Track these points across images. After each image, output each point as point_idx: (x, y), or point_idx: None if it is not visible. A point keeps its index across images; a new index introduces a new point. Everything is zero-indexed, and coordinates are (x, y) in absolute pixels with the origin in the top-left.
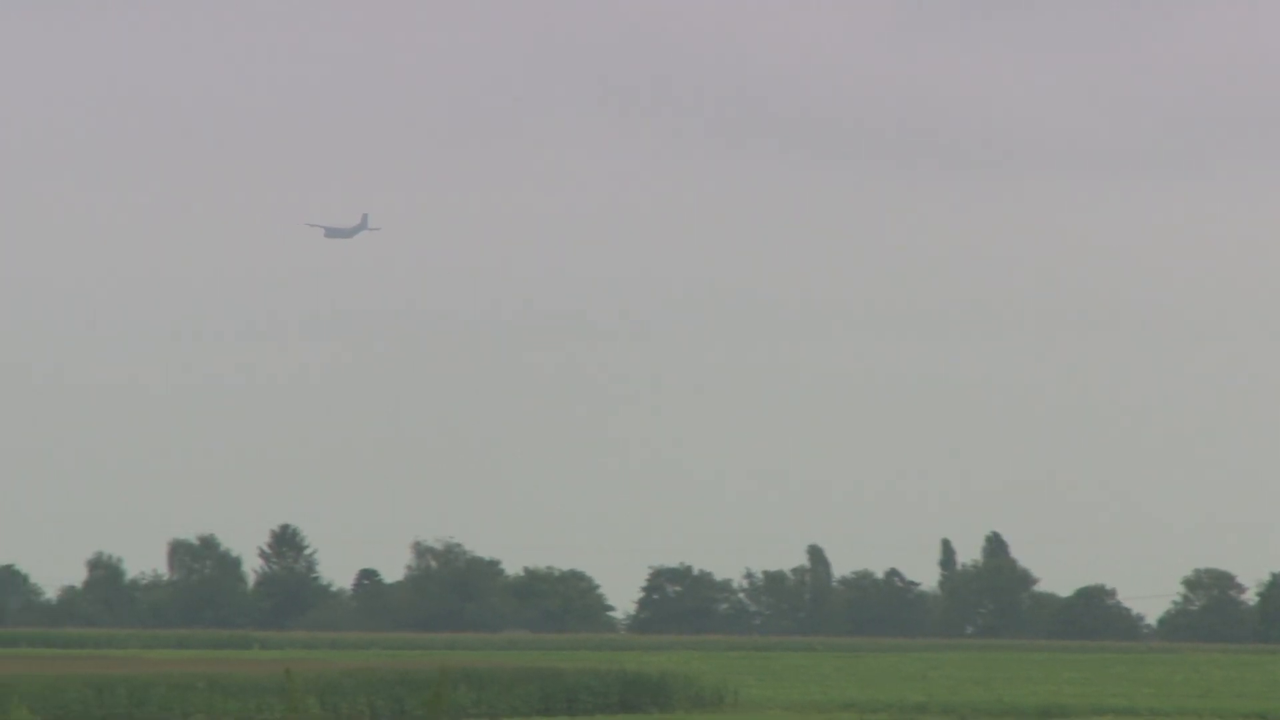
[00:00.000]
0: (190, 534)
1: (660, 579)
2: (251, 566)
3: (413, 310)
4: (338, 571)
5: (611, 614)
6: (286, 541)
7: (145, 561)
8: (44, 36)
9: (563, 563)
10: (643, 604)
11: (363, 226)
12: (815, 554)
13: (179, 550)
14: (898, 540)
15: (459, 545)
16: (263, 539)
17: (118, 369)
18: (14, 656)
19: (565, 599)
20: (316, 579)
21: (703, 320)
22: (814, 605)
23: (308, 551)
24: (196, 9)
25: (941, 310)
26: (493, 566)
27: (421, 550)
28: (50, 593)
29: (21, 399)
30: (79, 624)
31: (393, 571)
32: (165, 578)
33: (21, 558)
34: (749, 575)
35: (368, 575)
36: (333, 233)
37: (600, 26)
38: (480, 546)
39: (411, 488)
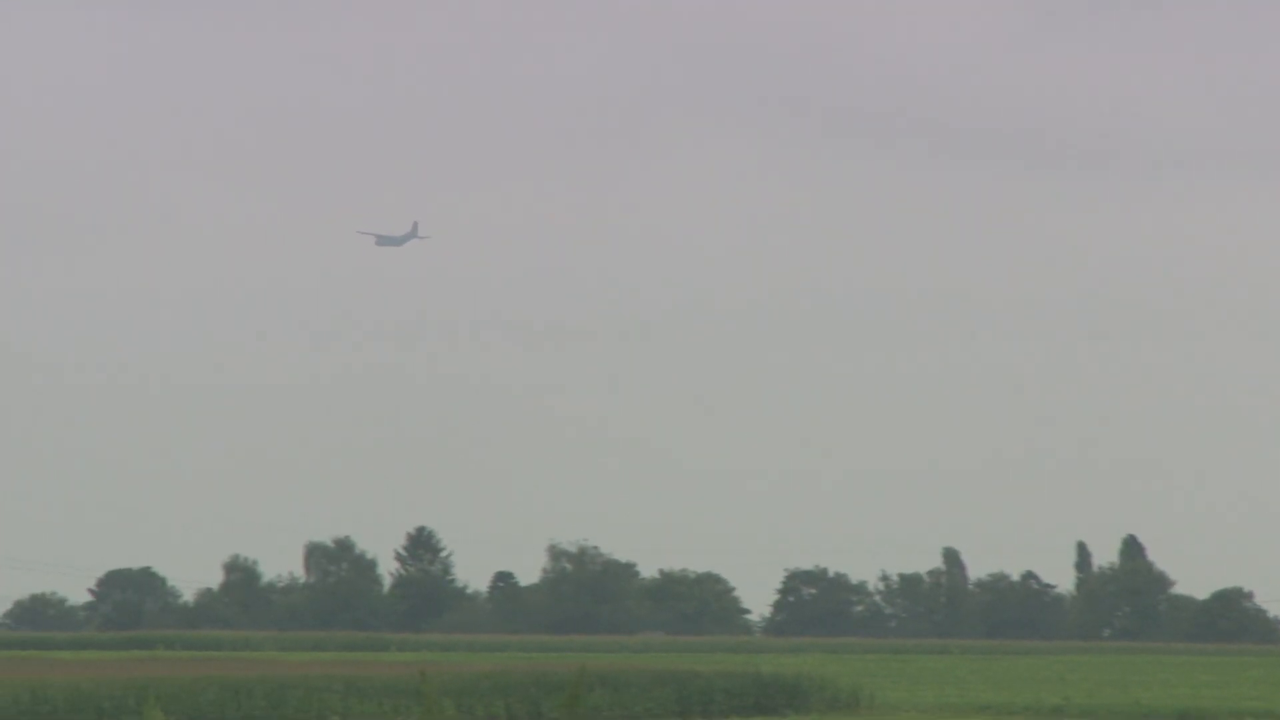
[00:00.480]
0: (326, 537)
1: (795, 581)
2: (387, 569)
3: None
4: (473, 574)
5: (747, 616)
6: (422, 544)
7: (281, 564)
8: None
9: (698, 565)
10: (778, 606)
11: (413, 234)
12: (950, 556)
13: (315, 553)
14: (1033, 542)
15: (594, 548)
16: (399, 541)
17: (254, 373)
18: (152, 659)
19: (700, 601)
20: (452, 581)
21: (840, 321)
22: (949, 608)
23: (443, 554)
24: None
25: (1079, 311)
26: (628, 569)
27: (557, 553)
28: (188, 595)
29: (157, 405)
30: (216, 626)
31: (528, 574)
32: (301, 580)
33: (159, 561)
34: (884, 578)
35: (503, 578)
36: (383, 240)
37: (736, 33)
38: (616, 549)
39: (547, 490)
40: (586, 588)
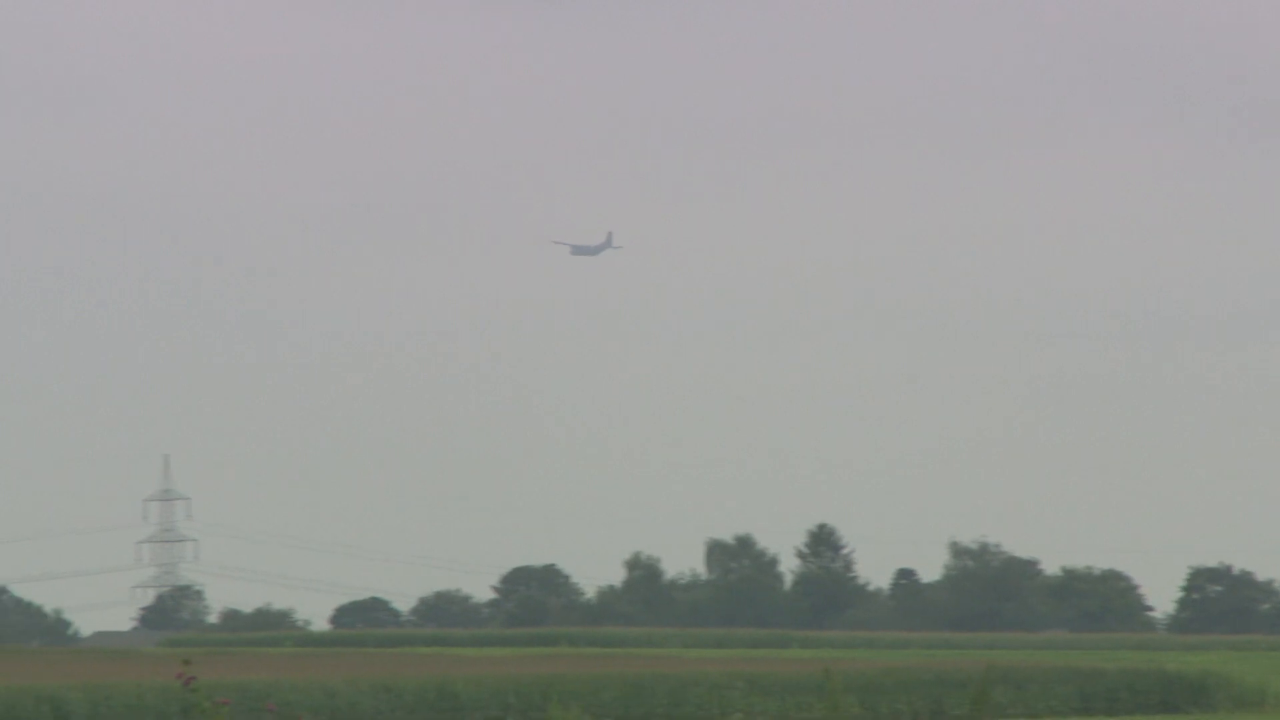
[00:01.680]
0: (727, 534)
1: (1200, 579)
2: (788, 566)
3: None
4: (875, 571)
5: (1150, 614)
6: (823, 541)
7: (683, 561)
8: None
9: (1101, 562)
10: (1183, 604)
11: (607, 244)
12: None
13: (716, 550)
14: None
15: (996, 545)
16: (800, 538)
17: (645, 371)
18: (554, 655)
19: (1103, 599)
20: (854, 578)
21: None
22: None
23: (845, 551)
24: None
25: None
26: (1030, 566)
27: (958, 550)
28: (590, 592)
29: (555, 407)
30: (618, 623)
31: (930, 571)
32: (703, 577)
33: (563, 558)
34: None
35: (905, 575)
36: (578, 250)
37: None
38: (1018, 546)
39: (948, 487)
40: (988, 585)
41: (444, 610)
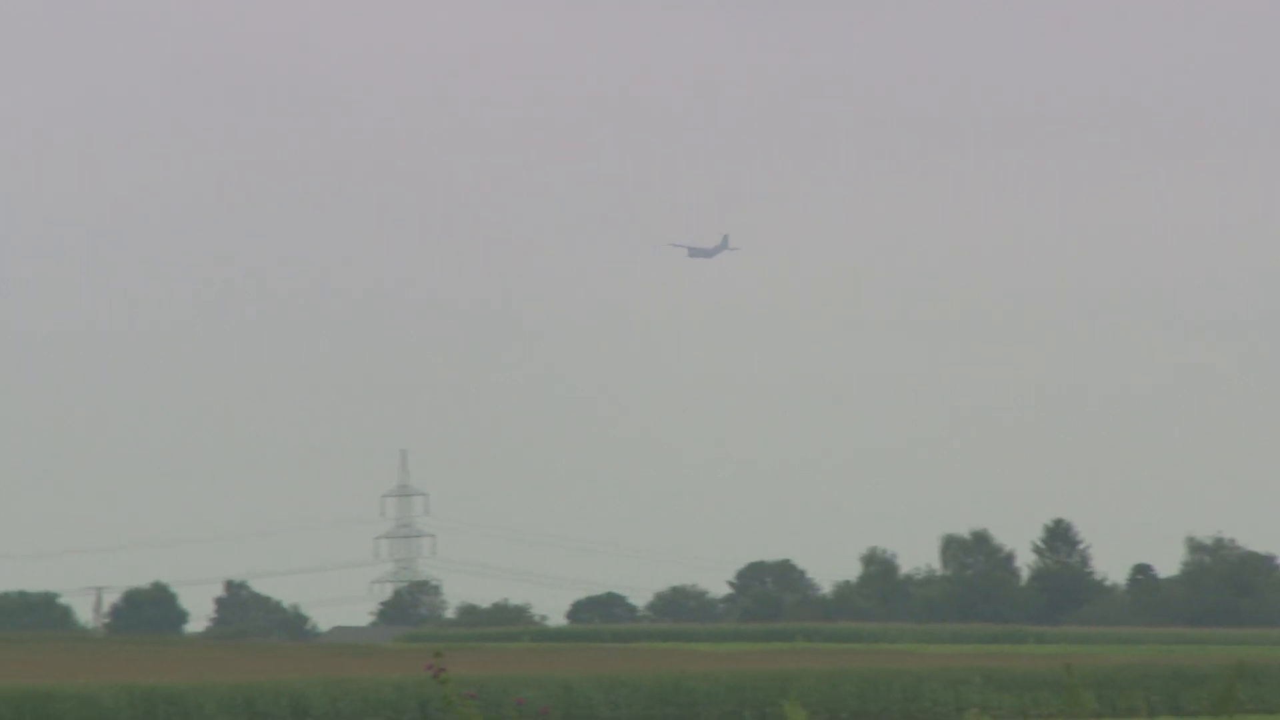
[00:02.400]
0: (963, 529)
1: None
2: (1025, 561)
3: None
4: (1112, 566)
5: None
6: (1060, 536)
7: (919, 557)
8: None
9: None
10: None
11: (723, 246)
12: None
13: (951, 545)
14: None
15: (1232, 540)
16: (1036, 534)
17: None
18: (790, 651)
19: None
20: (1090, 574)
21: None
22: None
23: (1081, 546)
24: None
25: None
26: (1267, 561)
27: (1195, 545)
28: (826, 588)
29: (795, 399)
30: (853, 618)
31: (1167, 566)
32: (938, 572)
33: (798, 554)
34: None
35: (1141, 570)
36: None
37: None
38: (1255, 541)
39: (1184, 483)
40: (1225, 580)
41: (680, 605)
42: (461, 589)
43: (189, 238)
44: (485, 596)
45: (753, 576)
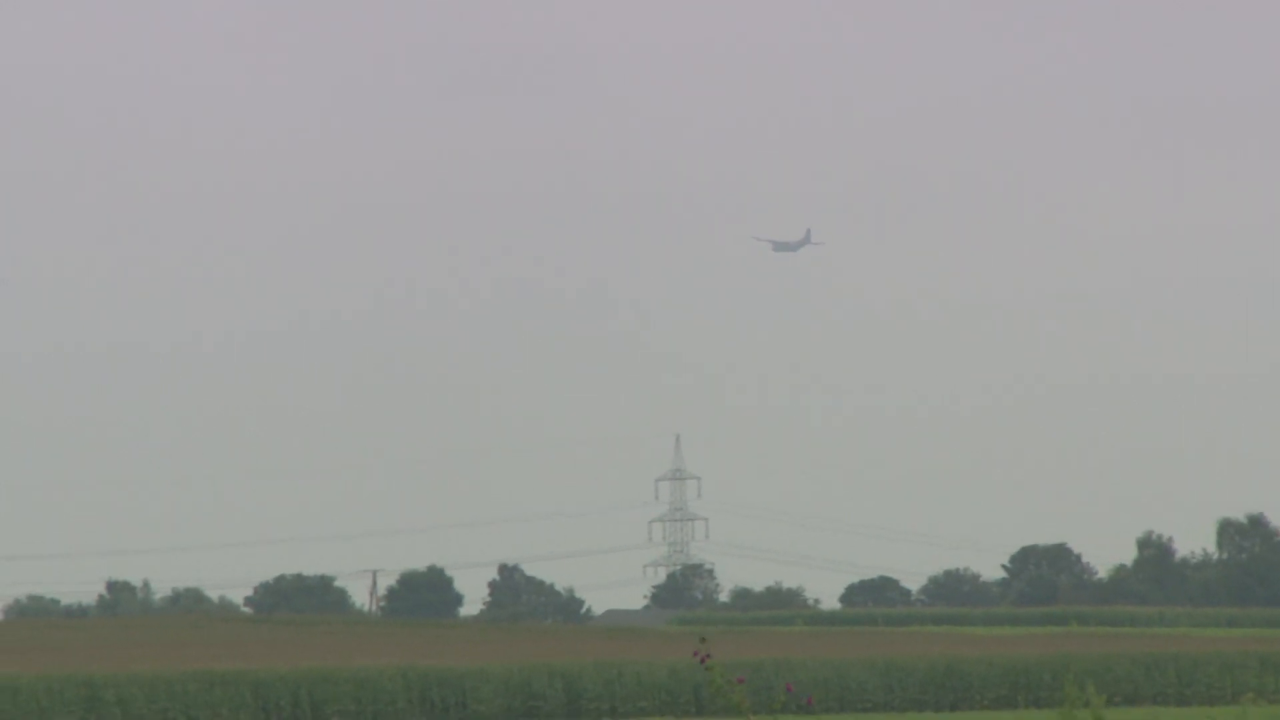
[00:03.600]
0: (1239, 513)
1: None
2: None
3: None
4: None
5: None
6: None
7: (1195, 540)
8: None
9: None
10: None
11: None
12: None
13: (1228, 529)
14: None
15: None
16: None
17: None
18: (1065, 634)
19: None
20: None
21: None
22: None
23: None
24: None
25: None
26: None
27: None
28: (1101, 571)
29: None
30: (1129, 602)
31: None
32: (1214, 556)
33: (1073, 537)
34: None
35: None
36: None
37: None
38: None
39: None
40: None
41: (953, 589)
42: (735, 572)
43: (456, 221)
44: (758, 580)
45: (1027, 560)
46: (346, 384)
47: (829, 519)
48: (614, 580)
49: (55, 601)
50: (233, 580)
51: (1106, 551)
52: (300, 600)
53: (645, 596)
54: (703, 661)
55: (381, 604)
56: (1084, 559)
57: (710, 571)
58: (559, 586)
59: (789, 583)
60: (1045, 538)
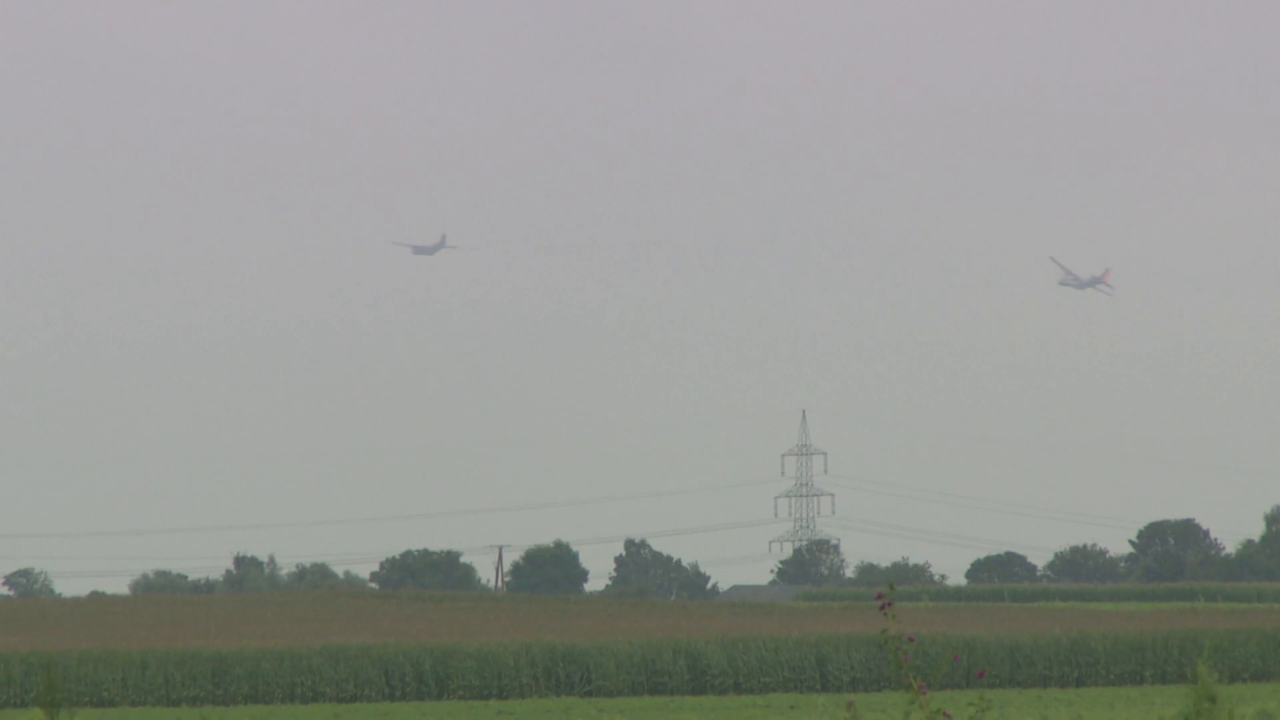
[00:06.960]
0: None
1: None
2: None
3: None
4: None
5: None
6: None
7: None
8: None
9: None
10: None
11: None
12: None
13: None
14: None
15: None
16: None
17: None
18: (1191, 610)
19: None
20: None
21: None
22: None
23: None
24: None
25: None
26: None
27: None
28: (1229, 547)
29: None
30: (1257, 578)
31: None
32: None
33: (1201, 513)
34: None
35: None
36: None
37: None
38: None
39: None
40: None
41: (1080, 565)
42: (860, 548)
43: (574, 195)
44: (884, 555)
45: (1154, 536)
46: (472, 361)
47: (955, 494)
48: (740, 556)
49: (183, 577)
50: (359, 555)
51: (1234, 527)
52: (426, 576)
53: (771, 572)
54: (884, 609)
55: (507, 580)
56: (1212, 534)
57: (836, 547)
58: (685, 562)
59: (915, 558)
60: (1173, 513)
